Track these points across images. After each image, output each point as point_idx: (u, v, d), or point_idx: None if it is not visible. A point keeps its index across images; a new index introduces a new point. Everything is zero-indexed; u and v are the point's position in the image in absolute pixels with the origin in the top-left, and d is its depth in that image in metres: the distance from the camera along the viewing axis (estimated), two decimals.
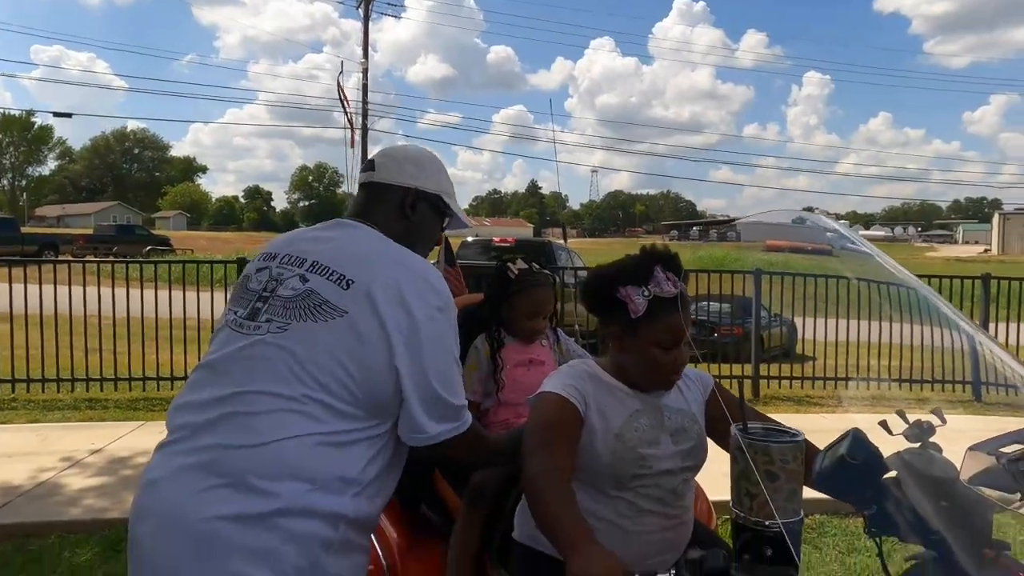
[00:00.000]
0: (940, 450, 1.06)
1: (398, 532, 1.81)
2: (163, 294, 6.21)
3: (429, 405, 1.18)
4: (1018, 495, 0.89)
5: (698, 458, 1.33)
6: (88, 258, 8.85)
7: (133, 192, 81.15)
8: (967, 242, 69.79)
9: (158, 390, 6.11)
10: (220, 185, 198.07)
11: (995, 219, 59.42)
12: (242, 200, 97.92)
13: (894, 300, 1.40)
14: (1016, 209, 59.45)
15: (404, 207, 1.37)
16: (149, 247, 26.02)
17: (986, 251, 53.53)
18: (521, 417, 1.79)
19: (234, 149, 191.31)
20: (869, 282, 1.36)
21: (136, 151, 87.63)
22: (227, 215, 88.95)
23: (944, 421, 1.07)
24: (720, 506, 2.17)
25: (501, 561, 1.55)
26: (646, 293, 1.23)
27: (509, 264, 1.93)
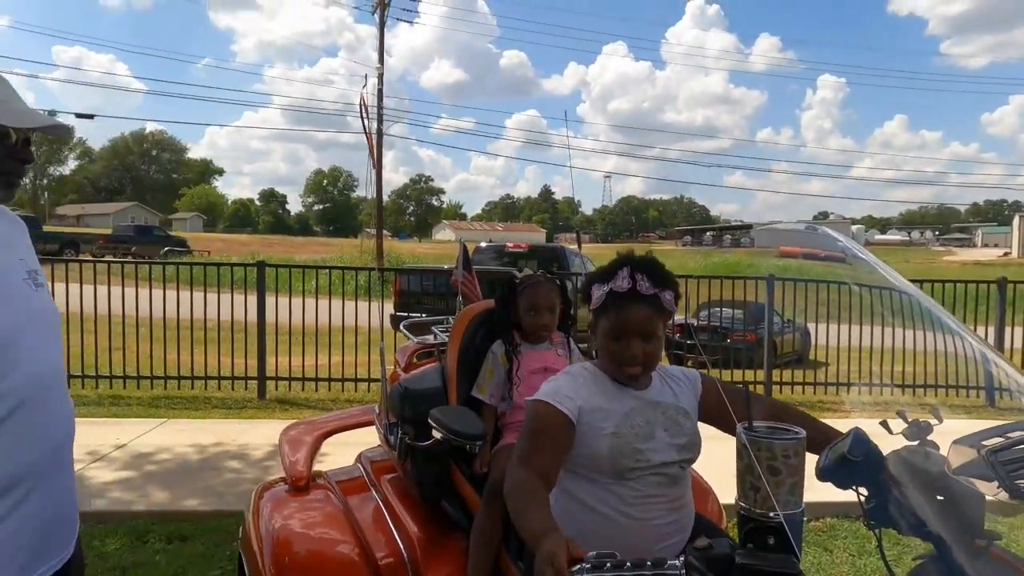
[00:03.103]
0: (937, 448, 1.12)
1: (419, 527, 1.89)
2: (183, 295, 6.37)
3: None
4: (995, 483, 0.95)
5: (693, 451, 1.41)
6: (108, 258, 9.05)
7: (151, 193, 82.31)
8: (987, 245, 68.73)
9: (179, 388, 6.26)
10: (236, 188, 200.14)
11: (1015, 221, 58.41)
12: (257, 203, 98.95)
13: (896, 306, 1.46)
14: None
15: None
16: (167, 248, 26.47)
17: (1006, 254, 52.66)
18: None
19: (250, 152, 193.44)
20: (867, 287, 1.42)
21: (154, 153, 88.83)
22: (242, 217, 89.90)
23: (941, 420, 1.12)
24: (730, 509, 2.23)
25: (518, 555, 1.61)
26: (604, 288, 1.36)
27: (515, 272, 2.03)
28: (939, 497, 1.06)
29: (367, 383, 6.48)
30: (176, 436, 4.84)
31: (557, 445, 1.31)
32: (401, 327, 2.66)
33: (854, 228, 78.44)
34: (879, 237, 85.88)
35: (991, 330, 6.81)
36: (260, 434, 4.93)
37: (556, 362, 1.97)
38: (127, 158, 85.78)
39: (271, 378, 6.37)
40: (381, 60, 23.05)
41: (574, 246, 12.39)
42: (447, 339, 2.17)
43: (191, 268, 6.83)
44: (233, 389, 6.37)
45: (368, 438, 2.68)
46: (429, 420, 1.75)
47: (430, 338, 2.46)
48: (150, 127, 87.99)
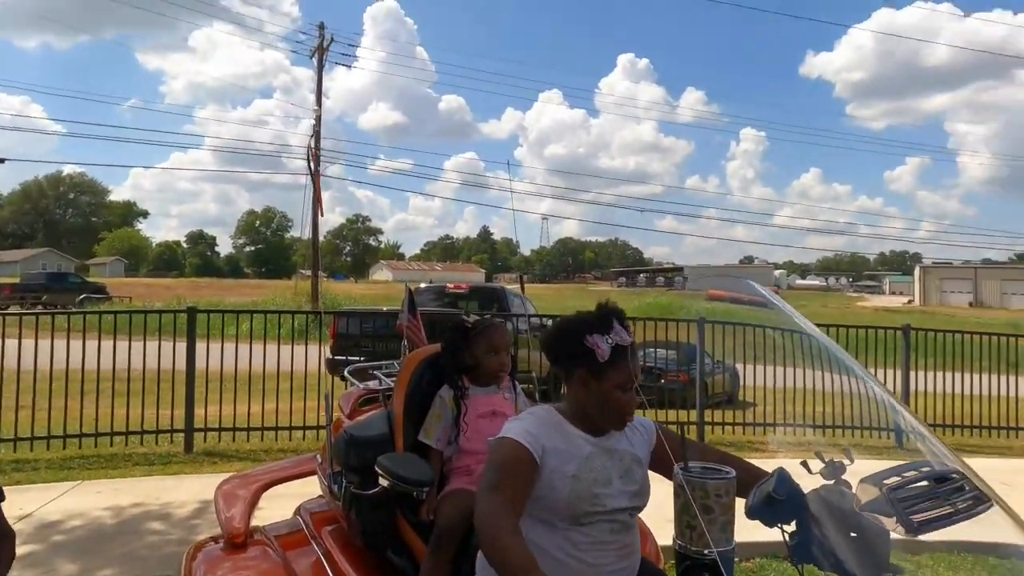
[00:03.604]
0: (850, 487, 1.22)
1: None
2: (104, 344, 5.99)
3: None
4: (894, 518, 1.05)
5: (643, 498, 1.47)
6: (14, 309, 8.42)
7: (67, 238, 77.63)
8: (893, 293, 74.31)
9: (95, 447, 5.84)
10: (163, 230, 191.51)
11: (916, 272, 63.78)
12: (184, 245, 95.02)
13: (815, 351, 1.59)
14: (934, 262, 63.99)
15: None
16: (83, 295, 24.93)
17: (910, 301, 57.19)
18: (483, 464, 1.88)
19: (178, 193, 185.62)
20: (778, 330, 1.56)
21: (71, 196, 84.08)
22: (168, 260, 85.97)
23: (852, 460, 1.24)
24: (667, 551, 2.30)
25: None
26: (609, 341, 1.39)
27: (464, 317, 2.09)
28: (852, 534, 1.15)
29: (303, 431, 6.26)
30: (90, 499, 4.47)
31: (522, 480, 1.34)
32: (345, 373, 2.64)
33: (777, 273, 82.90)
34: (799, 282, 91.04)
35: (899, 373, 7.32)
36: (187, 490, 4.66)
37: (503, 405, 2.01)
38: (40, 202, 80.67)
39: (199, 430, 6.05)
40: (319, 102, 23.09)
41: (513, 286, 12.54)
42: (392, 384, 2.17)
43: (115, 316, 6.46)
44: (157, 443, 6.01)
45: (307, 489, 2.60)
46: (376, 468, 1.75)
47: (374, 383, 2.45)
48: (68, 169, 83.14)
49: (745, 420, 7.10)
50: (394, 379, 2.19)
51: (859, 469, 1.26)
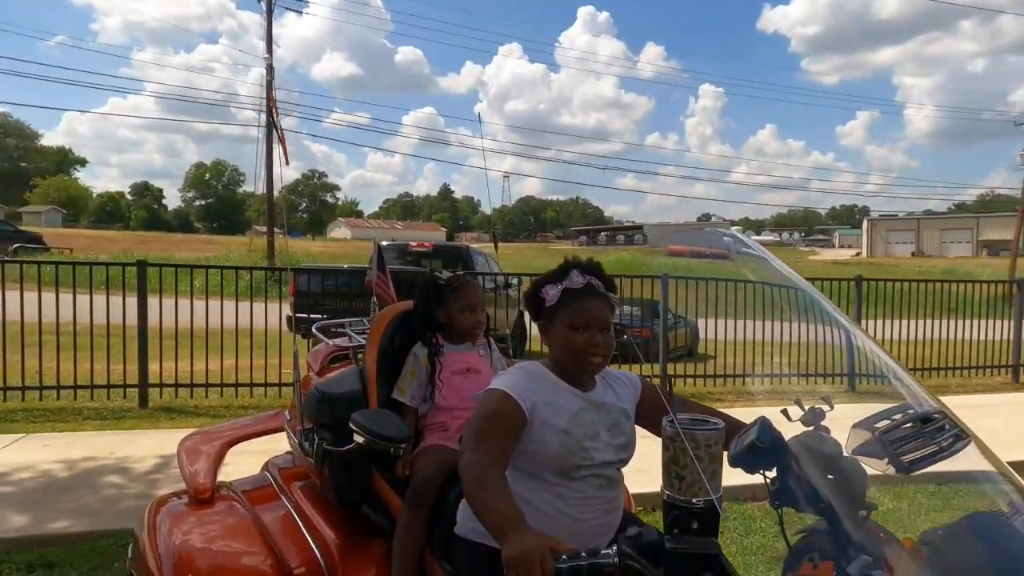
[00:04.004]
0: (828, 431, 1.25)
1: (336, 533, 1.84)
2: (42, 296, 5.70)
3: None
4: (885, 460, 1.09)
5: (629, 451, 1.48)
6: None
7: None
8: (843, 246, 77.01)
9: (40, 400, 5.63)
10: (103, 180, 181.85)
11: (864, 224, 66.12)
12: (129, 197, 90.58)
13: (787, 301, 1.60)
14: (881, 215, 66.40)
15: None
16: (17, 244, 23.62)
17: (858, 254, 59.46)
18: (458, 420, 1.87)
19: (118, 142, 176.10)
20: (768, 285, 1.56)
21: None
22: (111, 212, 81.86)
23: (832, 407, 1.26)
24: (638, 498, 2.35)
25: (444, 556, 1.61)
26: (559, 286, 1.44)
27: (437, 273, 2.04)
28: (830, 476, 1.18)
29: (264, 388, 6.15)
30: (39, 453, 4.34)
31: (509, 432, 1.34)
32: (313, 329, 2.56)
33: (733, 229, 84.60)
34: (755, 238, 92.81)
35: None
36: (143, 446, 4.55)
37: (478, 362, 1.99)
38: None
39: (154, 385, 5.88)
40: (269, 50, 21.80)
41: (477, 245, 12.46)
42: (363, 341, 2.12)
43: (56, 267, 6.12)
44: (109, 398, 5.83)
45: (269, 446, 2.55)
46: (350, 424, 1.71)
47: (343, 341, 2.39)
48: None
49: (706, 372, 7.32)
50: (364, 336, 2.13)
51: (838, 414, 1.29)
